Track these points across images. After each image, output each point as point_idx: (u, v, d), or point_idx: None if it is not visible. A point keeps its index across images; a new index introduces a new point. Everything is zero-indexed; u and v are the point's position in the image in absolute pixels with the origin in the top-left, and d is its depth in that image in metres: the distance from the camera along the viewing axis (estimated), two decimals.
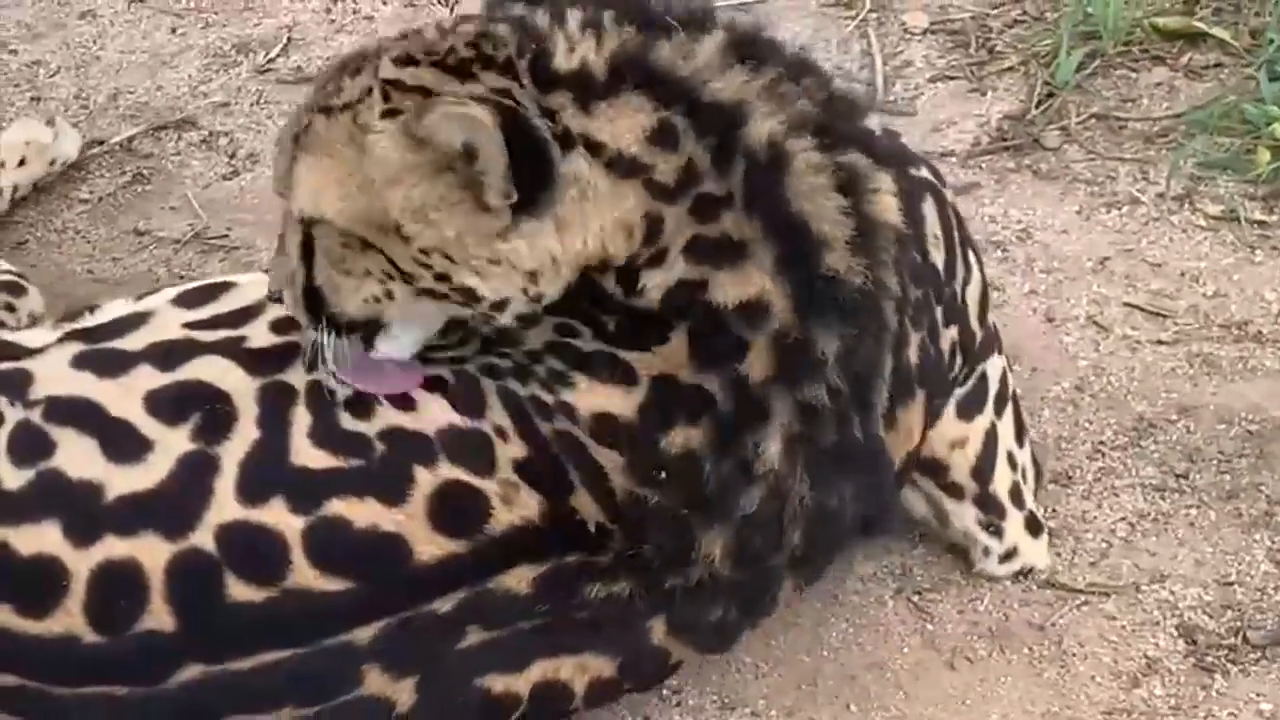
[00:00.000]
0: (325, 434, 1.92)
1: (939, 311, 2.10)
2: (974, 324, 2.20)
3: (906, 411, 2.04)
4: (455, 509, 1.88)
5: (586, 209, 1.84)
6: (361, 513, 1.88)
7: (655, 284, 1.87)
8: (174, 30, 3.45)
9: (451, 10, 3.42)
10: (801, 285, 1.84)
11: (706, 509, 1.87)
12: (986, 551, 2.33)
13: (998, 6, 3.39)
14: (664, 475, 1.87)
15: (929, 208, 2.10)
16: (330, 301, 1.92)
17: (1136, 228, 2.89)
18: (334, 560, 1.87)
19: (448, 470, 1.89)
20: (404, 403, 1.93)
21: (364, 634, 1.89)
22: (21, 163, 2.97)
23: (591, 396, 1.90)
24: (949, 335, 2.13)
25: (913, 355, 2.02)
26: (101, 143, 3.15)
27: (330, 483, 1.89)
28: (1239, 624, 2.30)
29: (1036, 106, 3.13)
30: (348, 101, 1.86)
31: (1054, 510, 2.43)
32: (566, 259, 1.87)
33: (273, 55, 3.36)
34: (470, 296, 1.88)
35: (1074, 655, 2.28)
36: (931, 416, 2.14)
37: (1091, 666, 2.26)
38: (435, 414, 1.92)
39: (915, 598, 2.34)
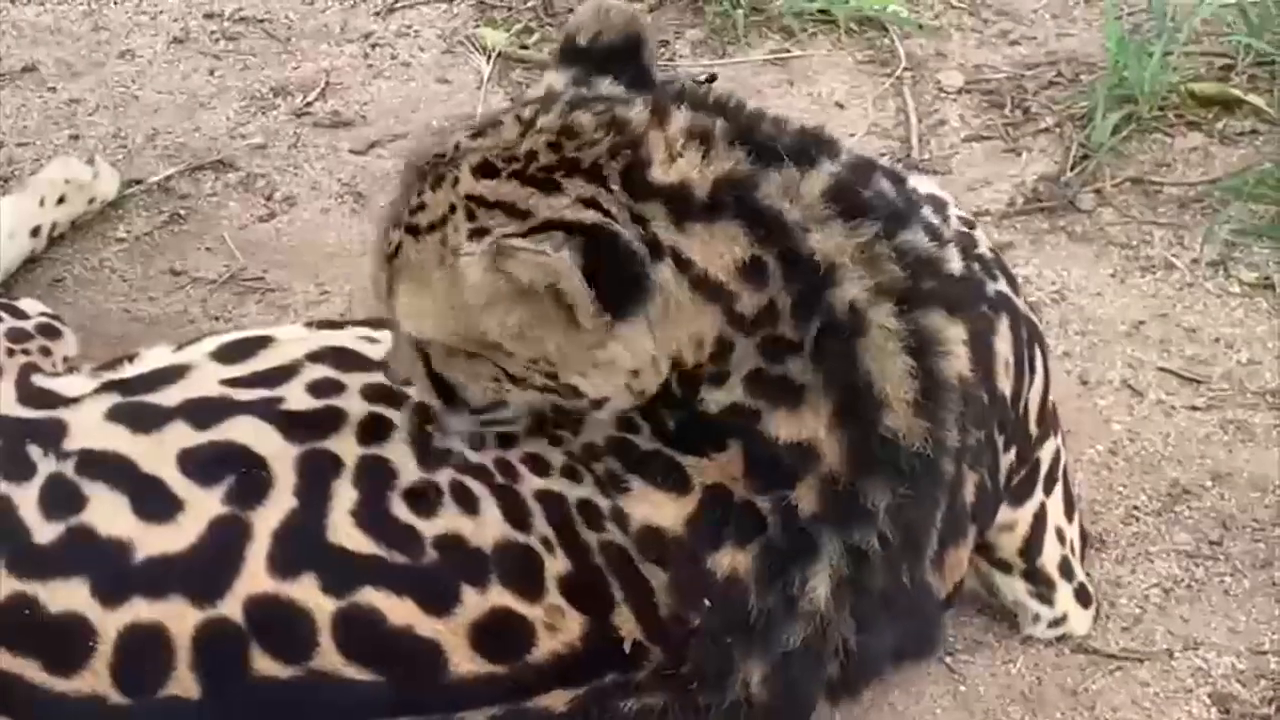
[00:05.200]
0: (371, 517, 1.88)
1: (1000, 441, 2.06)
2: (1033, 427, 2.17)
3: (957, 549, 2.01)
4: (499, 635, 1.85)
5: (670, 317, 1.80)
6: (398, 611, 1.84)
7: (713, 399, 1.84)
8: (212, 72, 3.46)
9: (490, 59, 3.44)
10: (857, 441, 1.82)
11: (748, 638, 1.85)
12: (1036, 618, 2.35)
13: (1033, 68, 3.40)
14: (709, 601, 1.85)
15: (1002, 334, 2.05)
16: (459, 389, 1.90)
17: (1171, 293, 2.89)
18: (363, 651, 1.84)
19: (497, 595, 1.85)
20: (469, 505, 1.90)
21: None
22: (60, 200, 2.98)
23: (643, 504, 1.87)
24: (1008, 458, 2.11)
25: (969, 495, 1.99)
26: (139, 182, 3.16)
27: (367, 570, 1.86)
28: (1272, 693, 2.30)
29: (1071, 168, 3.14)
30: (432, 221, 1.82)
31: (1087, 574, 2.42)
32: (662, 357, 1.83)
33: (310, 99, 3.38)
34: (575, 394, 1.86)
35: None
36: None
37: None
38: (493, 524, 1.88)
39: (948, 659, 2.33)
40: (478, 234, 1.78)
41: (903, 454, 1.82)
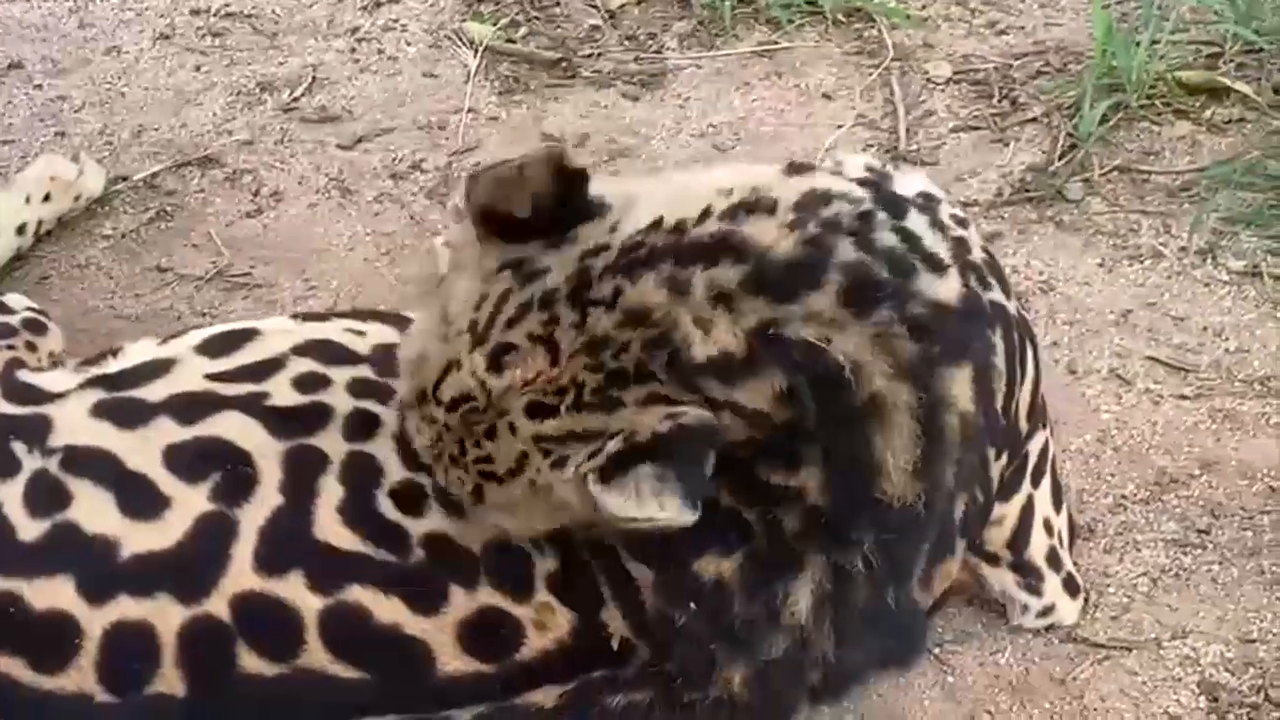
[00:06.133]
0: (358, 514, 1.88)
1: (991, 452, 2.04)
2: (1023, 424, 2.15)
3: (945, 564, 2.00)
4: (488, 634, 1.85)
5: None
6: (385, 609, 1.84)
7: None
8: (199, 68, 3.46)
9: (477, 53, 3.43)
10: (845, 496, 1.82)
11: (731, 643, 1.85)
12: (1025, 608, 2.34)
13: (1021, 57, 3.39)
14: (694, 604, 1.85)
15: (998, 351, 2.01)
16: None
17: (1159, 281, 2.89)
18: (350, 649, 1.84)
19: (486, 595, 1.85)
20: (455, 505, 1.89)
21: None
22: (46, 198, 2.98)
23: None
24: (999, 465, 2.09)
25: (959, 514, 1.98)
26: (125, 179, 3.16)
27: (354, 567, 1.86)
28: (1261, 682, 2.30)
29: (1059, 158, 3.13)
30: (510, 468, 1.79)
31: (1075, 564, 2.41)
32: None
33: (297, 94, 3.37)
34: None
35: (1095, 711, 2.27)
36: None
37: None
38: (483, 524, 1.87)
39: (936, 649, 2.33)
40: (559, 464, 1.76)
41: (893, 512, 1.82)
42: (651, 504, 1.69)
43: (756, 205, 1.83)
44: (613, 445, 1.71)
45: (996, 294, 2.07)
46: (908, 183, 2.06)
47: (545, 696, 1.86)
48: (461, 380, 1.79)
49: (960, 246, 2.02)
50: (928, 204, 2.03)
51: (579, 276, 1.77)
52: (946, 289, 1.89)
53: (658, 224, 1.80)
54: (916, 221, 1.94)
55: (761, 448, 1.80)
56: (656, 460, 1.69)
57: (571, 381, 1.75)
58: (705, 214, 1.82)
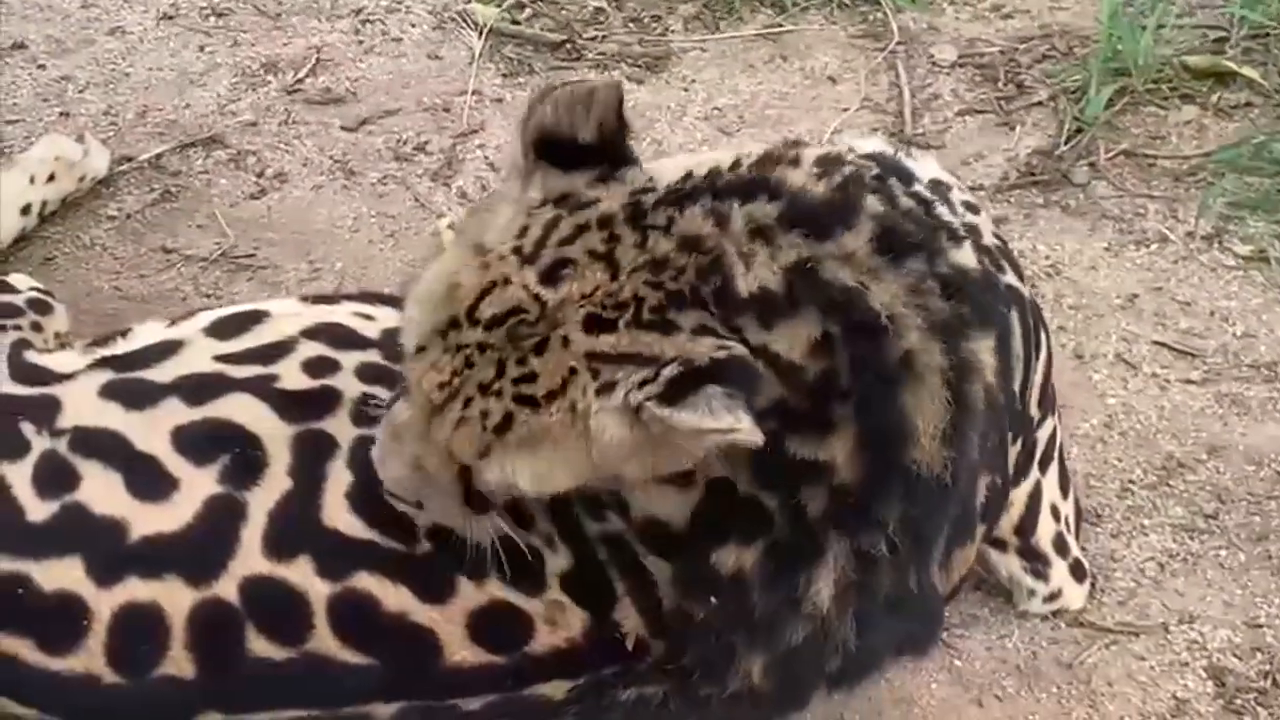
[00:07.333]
0: (365, 501, 1.87)
1: (1009, 435, 2.04)
2: (1034, 410, 2.15)
3: (964, 549, 2.01)
4: (496, 627, 1.85)
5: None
6: (392, 597, 1.84)
7: None
8: (203, 49, 3.45)
9: (481, 35, 3.42)
10: (877, 468, 1.80)
11: (751, 634, 1.84)
12: (1031, 593, 2.34)
13: (1027, 41, 3.39)
14: (713, 599, 1.83)
15: (1016, 332, 2.02)
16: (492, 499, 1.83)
17: (1165, 266, 2.89)
18: (358, 634, 1.84)
19: (495, 589, 1.85)
20: None
21: (384, 710, 1.86)
22: (51, 178, 2.97)
23: (646, 495, 1.84)
24: (1014, 450, 2.10)
25: (979, 497, 1.98)
26: (130, 160, 3.15)
27: (362, 555, 1.85)
28: (1268, 667, 2.30)
29: (1065, 142, 3.13)
30: (552, 390, 1.70)
31: (1083, 548, 2.41)
32: None
33: (301, 75, 3.36)
34: None
35: (1102, 695, 2.27)
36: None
37: (1120, 706, 2.26)
38: (489, 520, 1.85)
39: (944, 633, 2.32)
40: (606, 389, 1.70)
41: (921, 482, 1.81)
42: (726, 416, 1.64)
43: (782, 158, 1.84)
44: (669, 370, 1.68)
45: (1011, 278, 2.06)
46: (919, 169, 2.05)
47: (554, 689, 1.86)
48: (509, 295, 1.73)
49: (973, 232, 2.01)
50: (938, 189, 2.02)
51: (633, 206, 1.76)
52: (966, 256, 1.89)
53: (689, 175, 1.81)
54: (927, 193, 1.95)
55: (790, 419, 1.78)
56: (721, 382, 1.66)
57: (632, 296, 1.72)
58: (736, 164, 1.83)
